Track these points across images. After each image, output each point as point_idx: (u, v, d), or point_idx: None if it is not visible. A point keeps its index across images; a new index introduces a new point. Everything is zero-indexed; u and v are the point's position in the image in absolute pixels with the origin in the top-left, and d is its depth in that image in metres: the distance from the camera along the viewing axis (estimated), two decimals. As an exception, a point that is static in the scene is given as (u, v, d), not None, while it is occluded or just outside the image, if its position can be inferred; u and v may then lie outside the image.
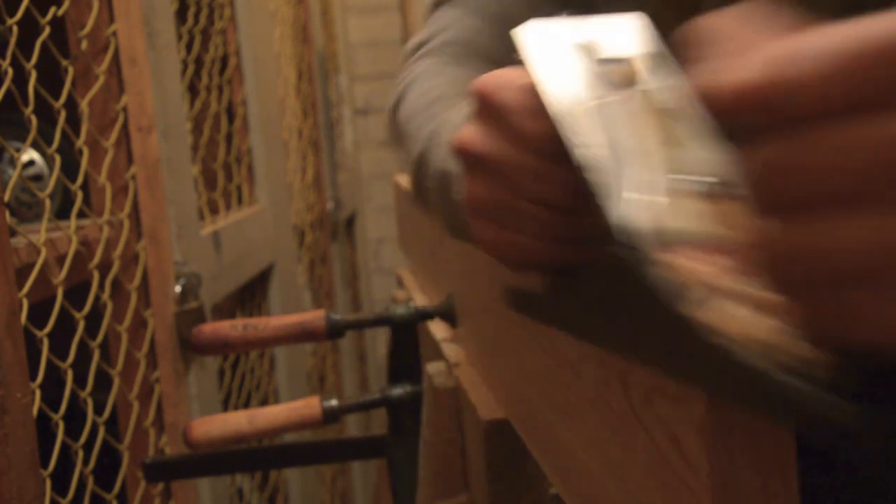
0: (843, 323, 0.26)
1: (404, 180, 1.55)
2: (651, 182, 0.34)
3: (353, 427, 2.62)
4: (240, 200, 1.65)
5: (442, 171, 0.57)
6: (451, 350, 0.98)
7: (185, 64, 1.38)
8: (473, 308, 0.88)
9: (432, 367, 0.95)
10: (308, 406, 1.03)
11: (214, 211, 1.52)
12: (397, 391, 1.04)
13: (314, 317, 1.05)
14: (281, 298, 1.76)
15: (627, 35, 0.41)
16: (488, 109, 0.44)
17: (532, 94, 0.41)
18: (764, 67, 0.27)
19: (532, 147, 0.41)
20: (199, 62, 1.47)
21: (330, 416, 1.03)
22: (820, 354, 0.28)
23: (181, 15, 1.39)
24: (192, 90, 1.46)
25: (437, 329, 1.07)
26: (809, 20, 0.28)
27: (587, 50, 0.40)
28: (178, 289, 1.15)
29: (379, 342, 3.25)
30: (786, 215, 0.27)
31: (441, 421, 0.89)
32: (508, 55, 0.53)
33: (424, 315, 1.05)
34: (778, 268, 0.27)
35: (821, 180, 0.26)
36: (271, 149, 1.80)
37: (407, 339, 1.07)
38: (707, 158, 0.34)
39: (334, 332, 1.05)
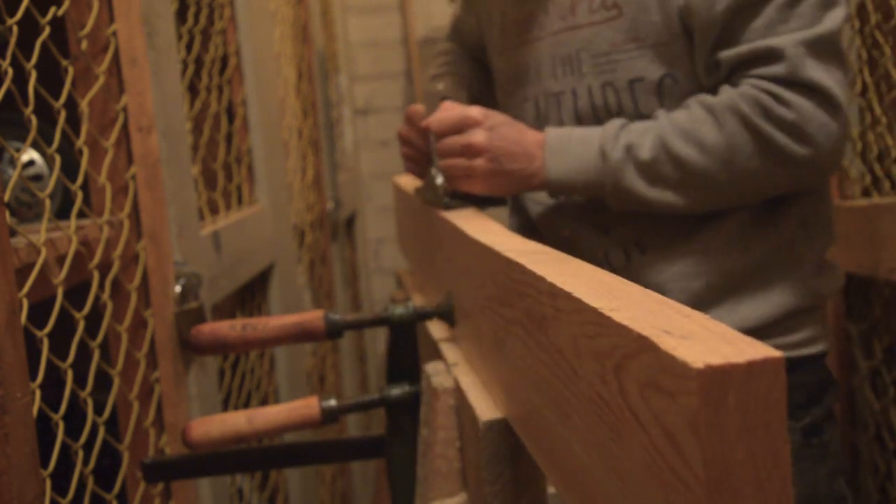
0: (456, 183, 1.09)
1: (403, 181, 1.56)
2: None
3: (353, 427, 2.62)
4: (240, 200, 1.65)
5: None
6: (449, 350, 0.98)
7: (185, 64, 1.38)
8: (472, 308, 0.88)
9: (431, 367, 0.96)
10: (307, 406, 1.03)
11: (214, 211, 1.52)
12: (396, 391, 1.04)
13: (313, 317, 1.05)
14: (281, 298, 1.76)
15: (462, 98, 1.23)
16: (407, 116, 1.23)
17: (420, 111, 1.20)
18: (432, 119, 1.10)
19: (419, 131, 1.18)
20: (199, 62, 1.47)
21: (329, 417, 1.03)
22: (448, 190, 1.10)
23: (181, 15, 1.39)
24: (192, 90, 1.46)
25: (436, 329, 1.07)
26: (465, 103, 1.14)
27: (443, 98, 1.17)
28: (178, 289, 1.16)
29: (379, 342, 3.25)
30: (444, 159, 1.09)
31: (439, 421, 0.89)
32: (483, 75, 1.37)
33: (423, 315, 1.05)
34: (444, 169, 1.10)
35: (446, 151, 1.08)
36: (271, 149, 1.80)
37: (406, 339, 1.07)
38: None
39: (333, 332, 1.05)
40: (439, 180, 1.10)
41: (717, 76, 1.01)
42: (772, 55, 0.96)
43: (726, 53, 0.98)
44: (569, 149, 1.04)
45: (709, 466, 0.35)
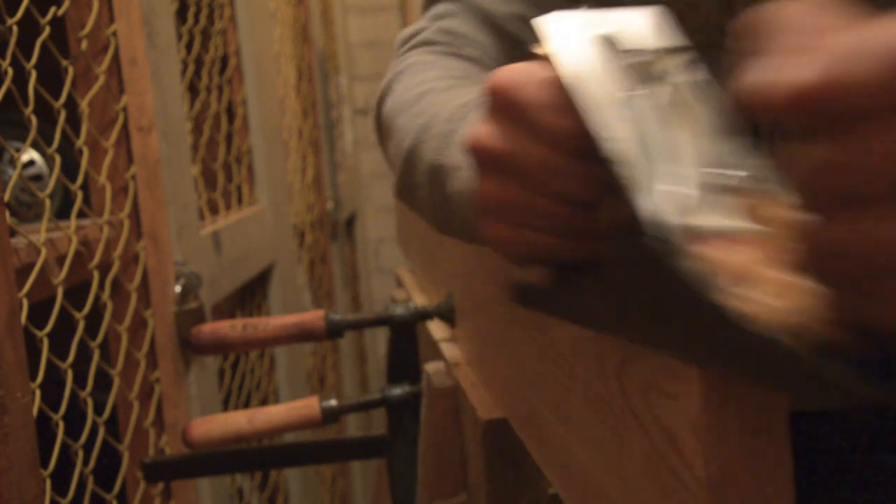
0: (882, 313, 0.28)
1: None
2: (680, 175, 0.35)
3: (354, 428, 2.62)
4: (240, 200, 1.65)
5: (434, 165, 0.56)
6: (449, 350, 0.98)
7: (185, 64, 1.38)
8: (472, 308, 0.88)
9: (431, 367, 0.96)
10: (307, 406, 1.04)
11: (214, 211, 1.52)
12: (396, 391, 1.04)
13: (314, 317, 1.05)
14: (281, 298, 1.76)
15: (650, 28, 0.40)
16: (506, 106, 0.42)
17: (555, 89, 0.40)
18: (826, 68, 0.26)
19: (556, 143, 0.40)
20: (199, 62, 1.47)
21: (329, 416, 1.03)
22: (848, 338, 0.29)
23: (181, 15, 1.39)
24: (192, 90, 1.46)
25: (436, 329, 1.07)
26: (875, 13, 0.28)
27: (611, 43, 0.39)
28: (178, 289, 1.15)
29: (379, 342, 3.25)
30: (832, 212, 0.28)
31: (440, 421, 0.89)
32: (510, 51, 0.55)
33: (424, 315, 1.05)
34: (823, 260, 0.28)
35: (871, 180, 0.27)
36: (271, 149, 1.80)
37: (406, 339, 1.07)
38: (736, 153, 0.35)
39: (334, 331, 1.05)
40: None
41: None
42: None
43: None
44: None
45: (709, 467, 0.35)
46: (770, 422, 0.36)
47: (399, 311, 1.05)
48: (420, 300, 1.33)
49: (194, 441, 1.02)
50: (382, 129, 0.68)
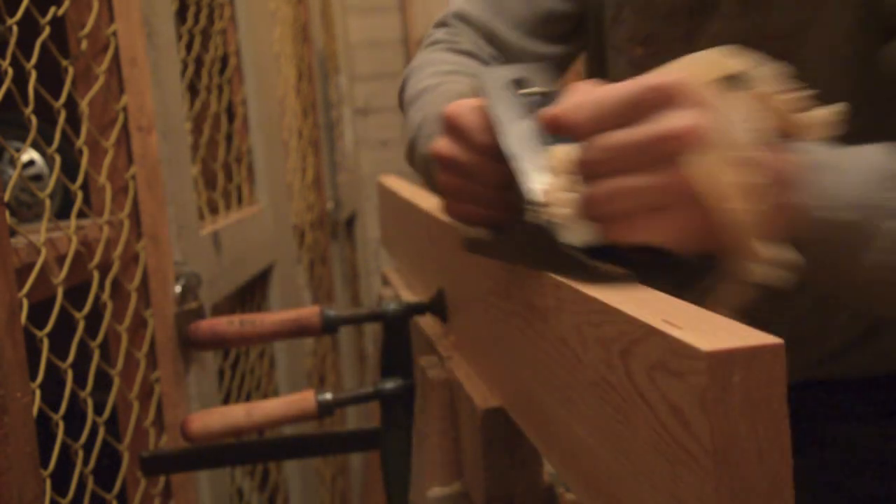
0: (610, 234, 0.54)
1: (389, 182, 1.59)
2: (542, 167, 0.60)
3: (353, 424, 2.62)
4: (240, 200, 1.65)
5: (425, 157, 0.80)
6: (442, 344, 1.00)
7: (185, 64, 1.38)
8: (467, 303, 0.89)
9: (425, 361, 0.97)
10: (303, 399, 1.06)
11: (214, 211, 1.52)
12: (390, 385, 1.07)
13: (309, 312, 1.07)
14: (281, 298, 1.76)
15: (538, 77, 0.67)
16: (452, 128, 0.67)
17: (481, 116, 0.65)
18: (562, 107, 0.55)
19: (481, 151, 0.65)
20: (199, 62, 1.47)
21: (324, 409, 1.05)
22: (602, 242, 0.56)
23: (181, 15, 1.39)
24: (192, 90, 1.46)
25: (428, 325, 1.08)
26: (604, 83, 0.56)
27: (515, 86, 0.65)
28: (178, 289, 1.16)
29: (379, 343, 3.25)
30: (588, 180, 0.54)
31: (435, 412, 0.90)
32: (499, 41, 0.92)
33: (416, 310, 1.07)
34: (590, 205, 0.54)
35: (596, 166, 0.54)
36: (271, 149, 1.80)
37: (399, 334, 1.09)
38: (564, 152, 0.60)
39: (329, 327, 1.07)
40: (568, 229, 0.58)
41: None
42: None
43: None
44: (843, 167, 0.56)
45: (716, 438, 0.39)
46: (769, 395, 0.39)
47: (392, 306, 1.07)
48: (407, 297, 1.34)
49: (193, 434, 1.02)
50: (403, 111, 0.93)
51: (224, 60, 1.62)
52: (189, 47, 1.42)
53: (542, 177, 0.60)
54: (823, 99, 0.54)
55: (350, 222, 3.11)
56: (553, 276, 0.58)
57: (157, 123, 1.14)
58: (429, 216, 1.09)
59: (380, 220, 1.82)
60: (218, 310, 1.38)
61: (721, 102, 0.52)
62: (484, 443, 0.78)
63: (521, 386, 0.70)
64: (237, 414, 1.04)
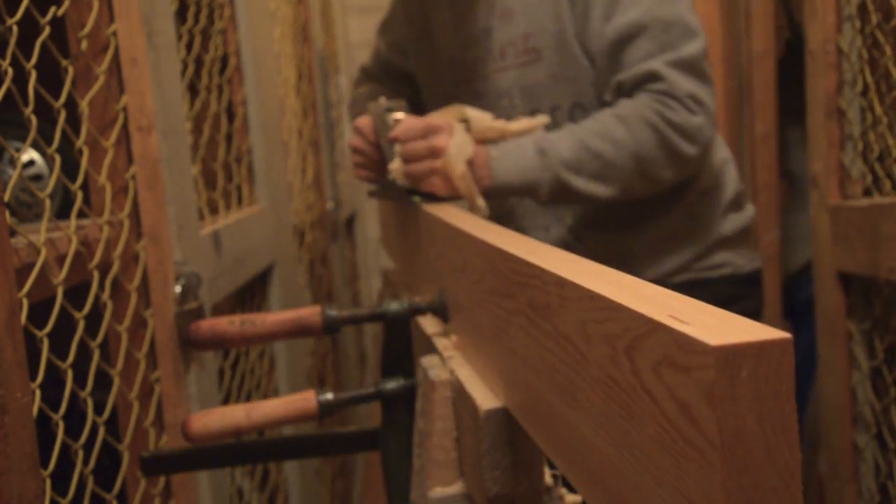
0: (417, 183, 1.31)
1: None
2: (393, 155, 1.35)
3: (353, 425, 2.61)
4: (240, 200, 1.65)
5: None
6: (443, 344, 0.99)
7: (185, 64, 1.38)
8: (468, 302, 0.89)
9: (426, 361, 0.97)
10: (304, 399, 1.05)
11: (214, 211, 1.52)
12: (391, 385, 1.06)
13: (310, 312, 1.07)
14: (281, 298, 1.76)
15: (398, 105, 1.40)
16: (356, 129, 1.45)
17: (369, 124, 1.43)
18: (396, 130, 1.33)
19: (368, 142, 1.44)
20: (199, 62, 1.47)
21: (325, 409, 1.05)
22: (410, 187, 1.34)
23: (181, 15, 1.39)
24: (192, 90, 1.46)
25: (429, 325, 1.08)
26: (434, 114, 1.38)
27: (388, 110, 1.39)
28: (178, 289, 1.15)
29: (379, 343, 3.25)
30: (406, 161, 1.31)
31: (436, 412, 0.90)
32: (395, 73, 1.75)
33: (417, 310, 1.07)
34: (407, 173, 1.31)
35: (413, 156, 1.30)
36: (271, 149, 1.80)
37: (400, 333, 1.09)
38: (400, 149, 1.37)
39: (329, 327, 1.07)
40: (401, 181, 1.34)
41: (618, 94, 1.35)
42: (653, 76, 1.31)
43: (621, 76, 1.33)
44: (508, 153, 1.31)
45: (724, 433, 0.39)
46: (777, 389, 0.39)
47: (393, 306, 1.07)
48: (406, 298, 1.34)
49: (194, 434, 1.02)
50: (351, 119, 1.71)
51: (224, 60, 1.62)
52: (189, 47, 1.42)
53: (394, 159, 1.33)
54: (548, 110, 1.43)
55: (350, 222, 3.11)
56: (556, 273, 0.58)
57: (157, 123, 1.14)
58: (428, 216, 1.10)
59: (379, 220, 1.83)
60: (218, 310, 1.37)
61: (457, 130, 1.29)
62: (486, 443, 0.78)
63: (525, 385, 0.69)
64: (237, 414, 1.04)
